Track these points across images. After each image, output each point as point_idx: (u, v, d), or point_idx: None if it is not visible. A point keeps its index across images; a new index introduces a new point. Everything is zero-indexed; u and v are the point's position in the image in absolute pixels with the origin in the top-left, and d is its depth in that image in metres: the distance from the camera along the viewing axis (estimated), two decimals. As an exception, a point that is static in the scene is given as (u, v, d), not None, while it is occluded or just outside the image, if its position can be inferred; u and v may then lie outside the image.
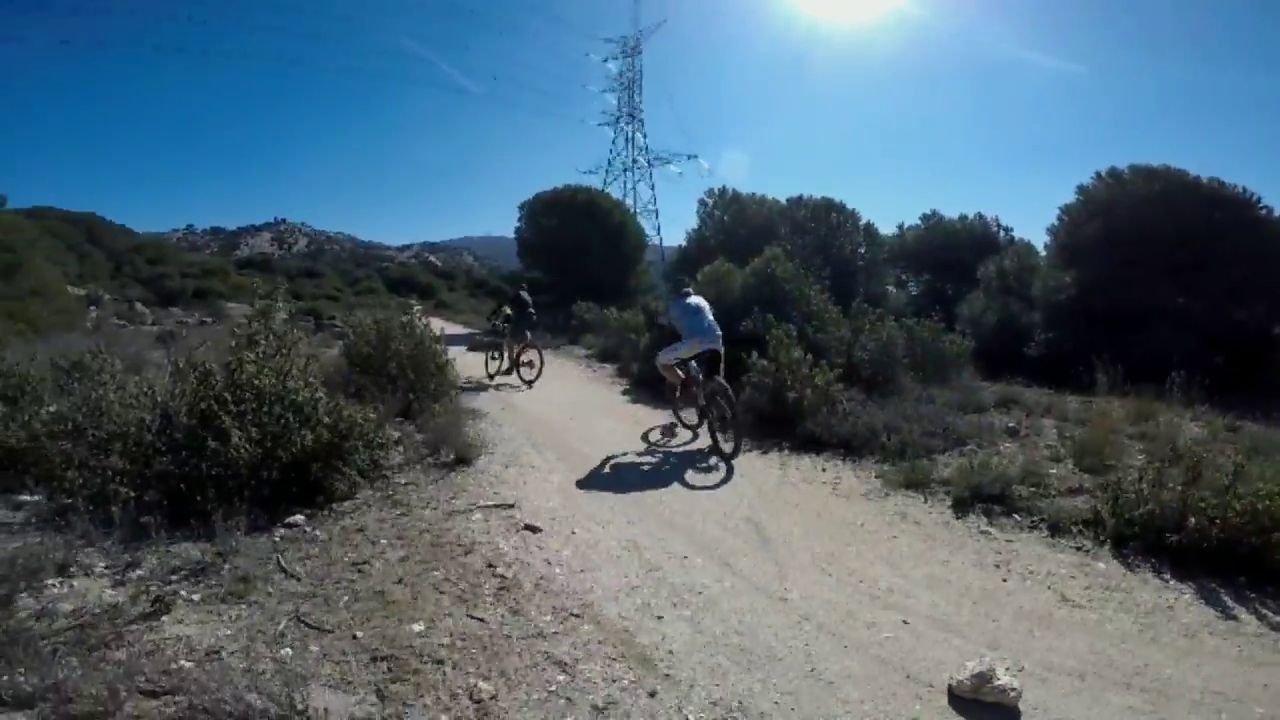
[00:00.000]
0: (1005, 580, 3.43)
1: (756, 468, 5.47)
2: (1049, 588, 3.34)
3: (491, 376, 9.77)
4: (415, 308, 7.71)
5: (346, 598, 2.95)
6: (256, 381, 3.90)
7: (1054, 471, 4.67)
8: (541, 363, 9.41)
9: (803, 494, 4.81)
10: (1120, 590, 3.30)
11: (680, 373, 6.41)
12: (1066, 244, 16.60)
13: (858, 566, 3.58)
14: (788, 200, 24.93)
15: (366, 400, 5.86)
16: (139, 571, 3.03)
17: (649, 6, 76.00)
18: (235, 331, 4.62)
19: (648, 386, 9.23)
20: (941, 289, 22.89)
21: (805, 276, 10.20)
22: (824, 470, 5.31)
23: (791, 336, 7.08)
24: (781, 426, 6.26)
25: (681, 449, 6.11)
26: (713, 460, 5.61)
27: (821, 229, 23.14)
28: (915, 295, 24.13)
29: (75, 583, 2.86)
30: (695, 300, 6.55)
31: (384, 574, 3.20)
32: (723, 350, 6.24)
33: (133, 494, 3.57)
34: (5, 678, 2.02)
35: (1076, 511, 4.00)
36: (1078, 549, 3.72)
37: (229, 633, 2.60)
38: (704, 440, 6.10)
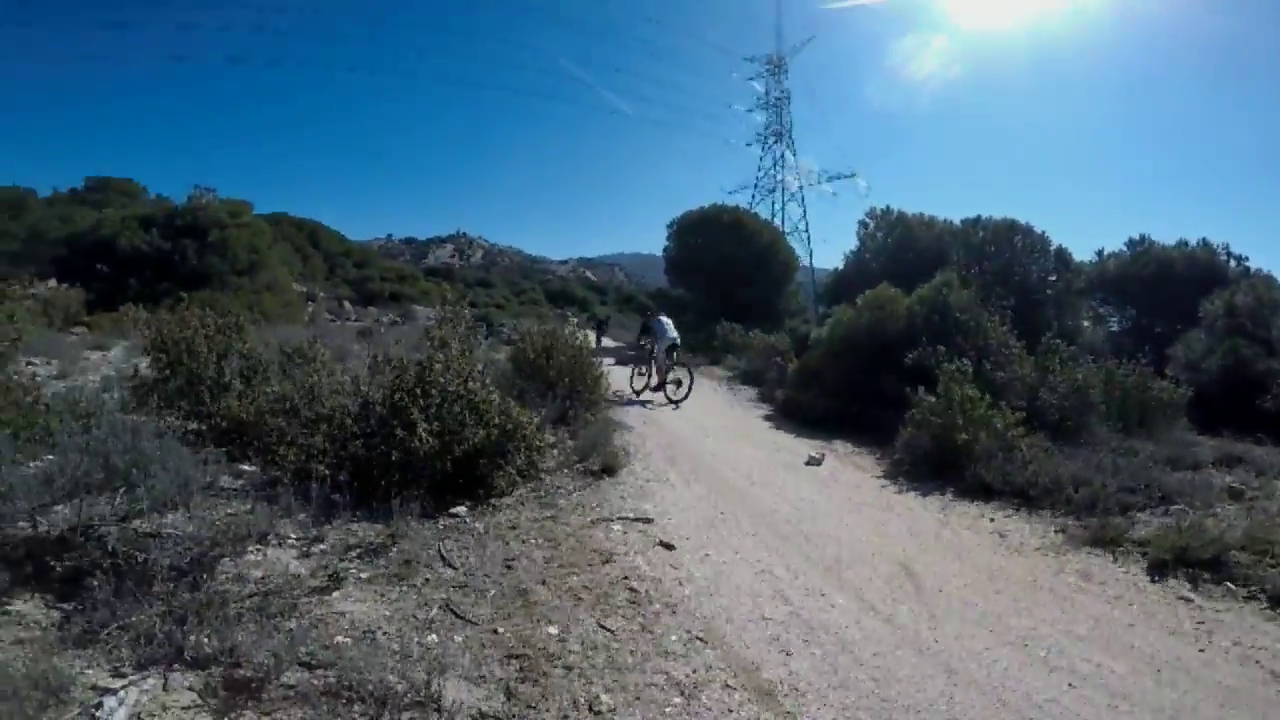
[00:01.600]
0: (1202, 651, 2.94)
1: (913, 509, 5.04)
2: (1257, 662, 2.83)
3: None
4: (573, 320, 8.09)
5: (493, 592, 3.08)
6: (443, 380, 4.24)
7: None
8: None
9: (965, 542, 4.33)
10: (1341, 669, 2.67)
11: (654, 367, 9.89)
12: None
13: (1022, 624, 3.16)
14: (962, 221, 22.85)
15: (527, 404, 6.22)
16: (323, 546, 3.38)
17: (796, 24, 74.38)
18: (429, 334, 5.10)
19: (792, 414, 8.88)
20: (1150, 327, 19.61)
21: (983, 306, 9.24)
22: (992, 520, 4.79)
23: (965, 373, 6.41)
24: (946, 470, 5.72)
25: (831, 481, 5.75)
26: (865, 496, 5.31)
27: (1003, 253, 20.87)
28: (1116, 332, 20.91)
29: (270, 551, 3.24)
30: (664, 318, 10.32)
31: (529, 573, 3.31)
32: (680, 342, 10.16)
33: (328, 472, 4.06)
34: (193, 637, 2.28)
35: (1309, 583, 3.33)
36: (1302, 624, 3.08)
37: (387, 614, 2.79)
38: (829, 465, 6.40)
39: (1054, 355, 7.80)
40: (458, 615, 2.83)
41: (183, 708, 2.04)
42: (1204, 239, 20.82)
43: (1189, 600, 3.42)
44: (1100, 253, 22.70)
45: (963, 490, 5.35)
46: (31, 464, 3.75)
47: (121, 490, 3.51)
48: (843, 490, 5.50)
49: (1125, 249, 21.96)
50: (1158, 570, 3.74)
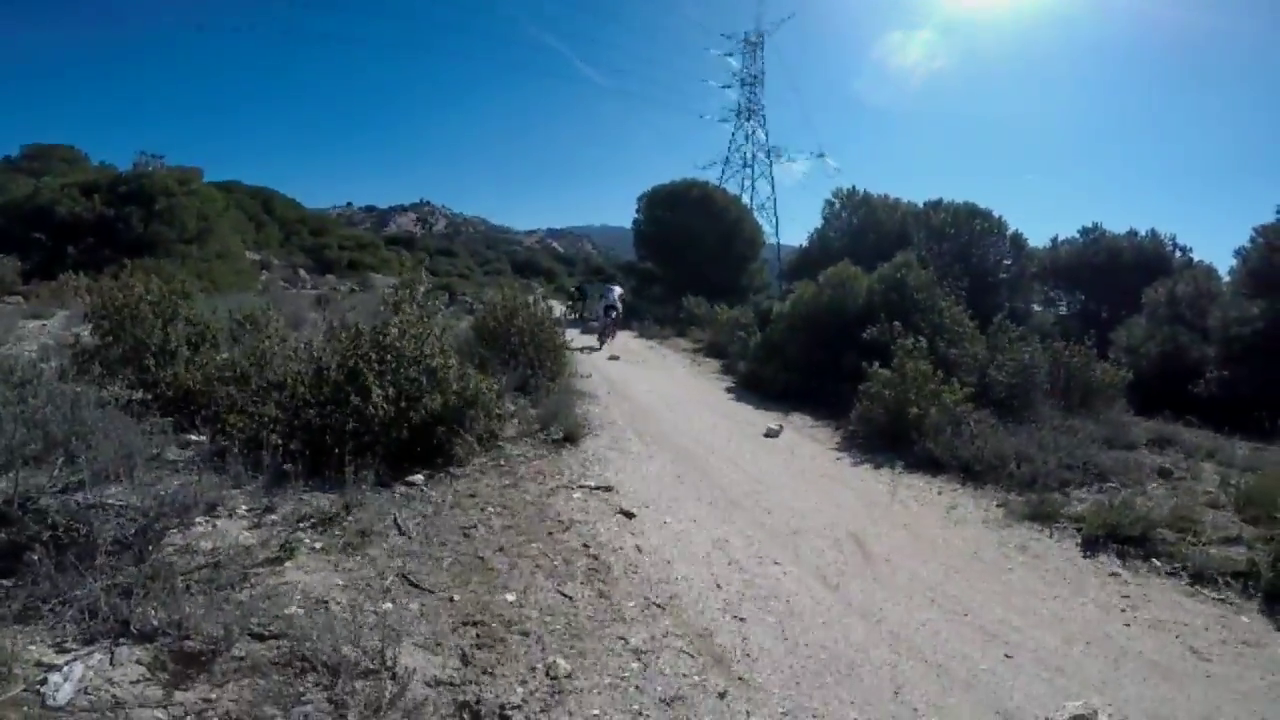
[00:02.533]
0: (1128, 625, 3.14)
1: (865, 481, 5.21)
2: (1177, 637, 3.05)
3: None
4: (538, 290, 8.01)
5: (450, 560, 3.09)
6: (398, 344, 4.17)
7: (1209, 519, 4.21)
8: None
9: (913, 514, 4.52)
10: (1258, 647, 2.96)
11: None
12: (1259, 270, 14.18)
13: (964, 595, 3.33)
14: (925, 204, 23.27)
15: (489, 372, 6.16)
16: (274, 516, 3.32)
17: (774, 3, 73.35)
18: (384, 297, 4.98)
19: (754, 387, 9.02)
20: (1096, 311, 20.43)
21: (940, 287, 9.48)
22: (939, 493, 4.98)
23: (919, 349, 6.60)
24: (898, 443, 5.92)
25: (788, 452, 5.89)
26: (820, 467, 5.47)
27: (962, 236, 21.37)
28: (1065, 316, 21.72)
29: (219, 523, 3.17)
30: (611, 286, 14.16)
31: (487, 541, 3.33)
32: (619, 306, 14.14)
33: (280, 441, 3.97)
34: (140, 610, 2.23)
35: (1229, 562, 3.63)
36: (1220, 600, 3.38)
37: (340, 583, 2.77)
38: (787, 437, 6.51)
39: (1004, 335, 8.07)
40: (413, 584, 2.82)
41: (131, 681, 2.00)
42: (1153, 229, 21.69)
43: (1117, 575, 3.62)
44: (1055, 239, 23.41)
45: (913, 463, 5.54)
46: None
47: (61, 461, 3.40)
48: (799, 461, 5.65)
49: (1078, 236, 22.70)
50: (1090, 545, 3.94)
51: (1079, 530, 4.10)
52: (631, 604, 2.89)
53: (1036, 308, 22.11)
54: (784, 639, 2.74)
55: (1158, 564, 3.72)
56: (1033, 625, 3.05)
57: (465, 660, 2.35)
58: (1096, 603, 3.33)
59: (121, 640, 2.16)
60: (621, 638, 2.61)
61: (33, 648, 2.08)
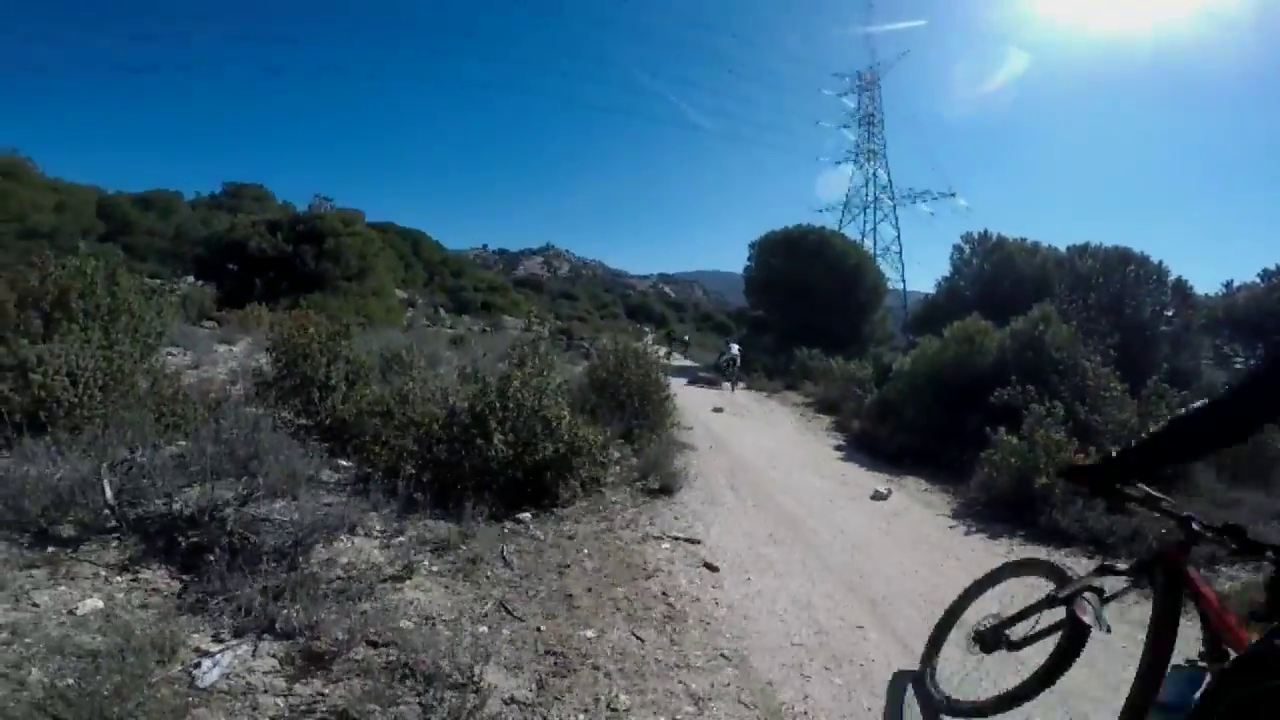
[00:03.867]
0: None
1: (976, 551, 4.91)
2: None
3: None
4: (648, 336, 8.34)
5: (543, 593, 3.35)
6: (520, 396, 4.61)
7: None
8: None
9: (1025, 587, 4.11)
10: None
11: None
12: None
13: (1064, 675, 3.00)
14: (1068, 248, 21.28)
15: (598, 419, 6.49)
16: (402, 539, 3.74)
17: (886, 41, 71.34)
18: (511, 352, 5.51)
19: (867, 447, 8.69)
20: (1283, 366, 17.32)
21: (1084, 344, 8.69)
22: (1058, 566, 4.51)
23: (1054, 414, 6.12)
24: (1021, 514, 5.50)
25: (894, 517, 5.63)
26: (927, 534, 5.20)
27: (1112, 285, 19.25)
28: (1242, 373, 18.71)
29: (356, 540, 3.62)
30: (734, 343, 15.75)
31: (578, 579, 3.56)
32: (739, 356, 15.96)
33: (414, 472, 4.47)
34: (285, 611, 2.63)
35: None
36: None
37: (448, 604, 3.10)
38: (896, 501, 6.27)
39: (1160, 400, 7.25)
40: (508, 611, 3.10)
41: (264, 672, 2.36)
42: None
43: None
44: (1229, 284, 20.45)
45: (1035, 535, 5.14)
46: (169, 448, 4.35)
47: (243, 477, 4.04)
48: (904, 527, 5.39)
49: (1259, 280, 19.64)
50: None
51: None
52: (699, 652, 2.97)
53: (1207, 364, 19.27)
54: (848, 699, 2.70)
55: None
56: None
57: (540, 685, 2.57)
58: None
59: (265, 636, 2.53)
60: (683, 683, 2.71)
61: (195, 635, 2.48)
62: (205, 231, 23.96)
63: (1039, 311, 9.28)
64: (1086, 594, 2.14)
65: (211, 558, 2.85)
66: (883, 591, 3.92)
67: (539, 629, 2.99)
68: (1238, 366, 19.35)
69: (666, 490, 5.31)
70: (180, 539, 3.20)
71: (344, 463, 4.91)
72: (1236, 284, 20.20)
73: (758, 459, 7.46)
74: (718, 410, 11.41)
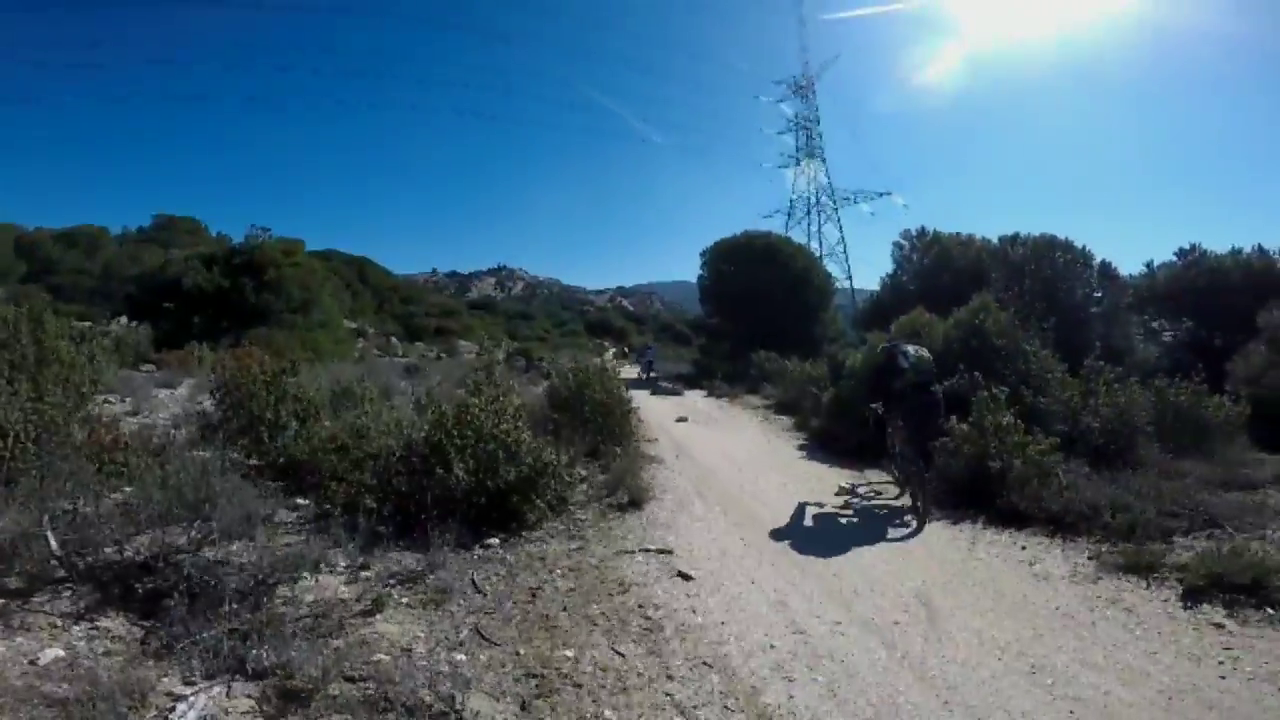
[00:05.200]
0: (1223, 678, 2.86)
1: (941, 540, 5.01)
2: (1278, 688, 2.75)
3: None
4: (609, 352, 8.37)
5: (518, 617, 3.32)
6: (478, 422, 4.55)
7: None
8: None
9: (991, 571, 4.31)
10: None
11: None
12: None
13: (1034, 651, 3.16)
14: (1000, 239, 22.33)
15: (562, 438, 6.45)
16: (368, 573, 3.66)
17: (821, 41, 73.59)
18: (466, 381, 5.45)
19: (827, 444, 8.87)
20: (1208, 338, 18.59)
21: (1023, 329, 9.09)
22: (1022, 548, 4.72)
23: (1001, 400, 6.36)
24: (979, 498, 5.66)
25: (860, 511, 5.76)
26: (894, 529, 5.29)
27: (1044, 271, 20.27)
28: (1171, 345, 19.91)
29: (321, 578, 3.53)
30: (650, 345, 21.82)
31: (552, 600, 3.53)
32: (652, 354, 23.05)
33: (374, 505, 4.37)
34: (254, 652, 2.56)
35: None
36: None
37: (422, 634, 3.05)
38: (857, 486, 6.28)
39: (1098, 377, 7.62)
40: (484, 638, 3.06)
41: (242, 713, 2.30)
42: (1259, 246, 19.75)
43: (1221, 626, 3.33)
44: (1149, 264, 21.75)
45: (994, 518, 5.28)
46: (112, 496, 4.17)
47: (195, 522, 3.91)
48: (871, 520, 5.51)
49: (1175, 259, 21.00)
50: (1192, 596, 3.63)
51: (1180, 581, 3.79)
52: (680, 662, 2.98)
53: (1139, 340, 20.42)
54: (833, 697, 2.73)
55: (1271, 612, 3.38)
56: (1110, 681, 2.86)
57: (524, 708, 2.54)
58: (1190, 655, 3.08)
59: (237, 677, 2.47)
60: (667, 694, 2.72)
61: (165, 680, 2.42)
62: (135, 269, 22.86)
63: (978, 301, 9.61)
64: None
65: (171, 603, 2.82)
66: (856, 585, 3.99)
67: (517, 652, 2.96)
68: (1165, 339, 20.66)
69: (635, 504, 5.31)
70: (137, 586, 3.14)
71: (301, 501, 4.78)
72: (1157, 264, 21.48)
73: (723, 465, 7.54)
74: (681, 420, 11.48)
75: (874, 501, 6.18)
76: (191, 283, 20.07)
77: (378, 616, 3.17)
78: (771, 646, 3.16)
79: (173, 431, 6.57)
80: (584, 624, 3.28)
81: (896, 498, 6.09)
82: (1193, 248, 20.77)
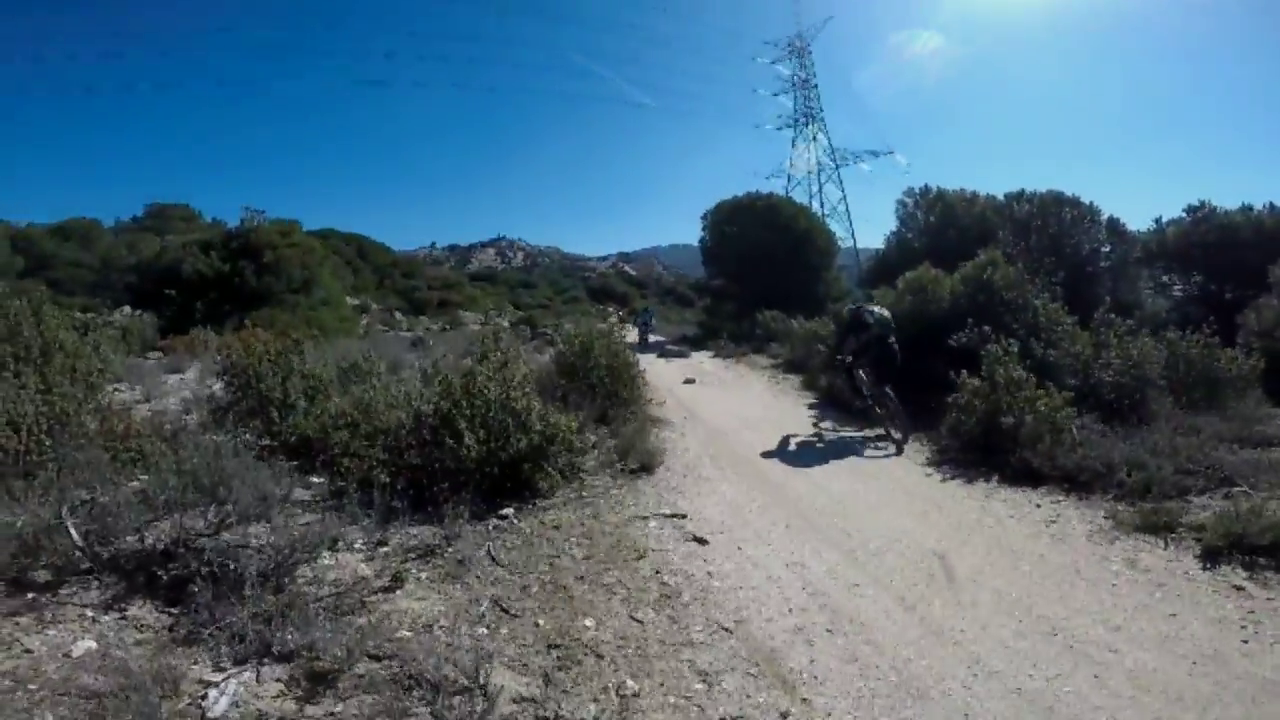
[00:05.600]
0: (1246, 643, 2.85)
1: (956, 498, 5.02)
2: None
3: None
4: (612, 318, 8.30)
5: (536, 587, 3.34)
6: (486, 391, 4.52)
7: None
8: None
9: (1007, 530, 4.32)
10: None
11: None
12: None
13: (1054, 613, 3.17)
14: (1005, 196, 21.93)
15: (570, 405, 6.44)
16: (386, 549, 3.69)
17: (813, 4, 71.13)
18: (471, 348, 5.40)
19: (837, 402, 8.85)
20: (1218, 293, 18.38)
21: (1032, 283, 8.96)
22: (1038, 507, 4.72)
23: (1011, 353, 6.30)
24: (993, 455, 5.65)
25: (874, 463, 5.77)
26: (907, 484, 5.33)
27: (1050, 227, 19.95)
28: (1182, 299, 19.72)
29: (340, 556, 3.55)
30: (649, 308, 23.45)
31: (570, 570, 3.55)
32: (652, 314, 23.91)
33: (388, 480, 4.39)
34: (279, 635, 2.57)
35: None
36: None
37: (443, 609, 3.06)
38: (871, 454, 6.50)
39: (1109, 330, 7.52)
40: (504, 610, 3.08)
41: (272, 697, 2.32)
42: (1271, 203, 19.36)
43: (1241, 589, 3.31)
44: (1158, 220, 21.36)
45: (1009, 476, 5.27)
46: (130, 484, 4.19)
47: (211, 505, 3.93)
48: (884, 478, 5.53)
49: (1184, 215, 20.65)
50: (1211, 557, 3.61)
51: (1199, 541, 3.77)
52: (699, 628, 3.00)
53: (1147, 295, 20.23)
54: (854, 661, 2.75)
55: None
56: (1130, 644, 2.87)
57: (547, 680, 2.57)
58: (1211, 619, 3.07)
59: (265, 660, 2.48)
60: (689, 660, 2.74)
61: (195, 667, 2.44)
62: (133, 259, 22.73)
63: (986, 255, 9.48)
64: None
65: (195, 589, 2.81)
66: (872, 546, 4.01)
67: (537, 624, 2.98)
68: (1176, 294, 20.46)
69: (646, 469, 5.33)
70: (160, 573, 3.13)
71: (315, 479, 4.78)
72: (1165, 219, 21.11)
73: (733, 426, 7.54)
74: (689, 381, 11.47)
75: (845, 434, 7.20)
76: (191, 269, 19.95)
77: (398, 593, 3.19)
78: (790, 610, 3.18)
79: (184, 416, 6.61)
80: (602, 592, 3.30)
81: (860, 429, 7.35)
82: (1202, 204, 20.34)
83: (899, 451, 6.26)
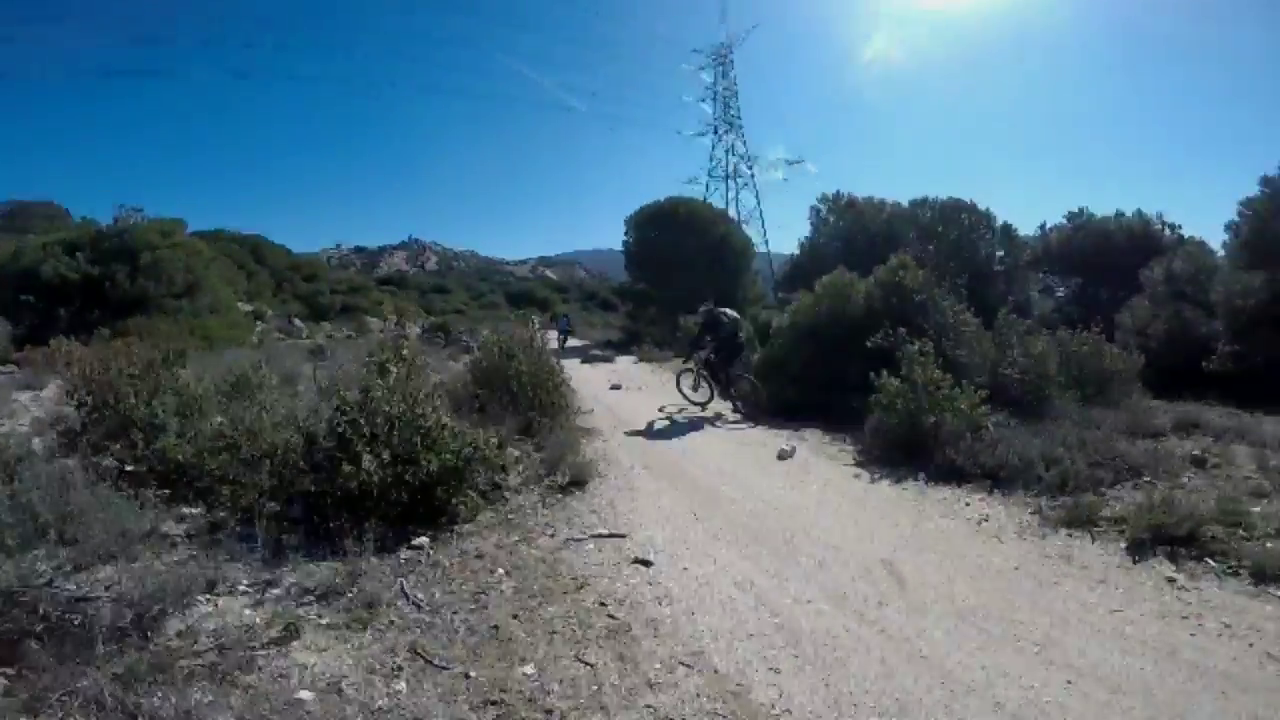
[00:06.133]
0: (1194, 635, 2.92)
1: (889, 499, 5.01)
2: (1250, 645, 2.82)
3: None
4: (535, 322, 7.92)
5: (463, 631, 2.90)
6: (387, 407, 4.00)
7: (1257, 510, 4.03)
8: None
9: (945, 531, 4.32)
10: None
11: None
12: (1252, 241, 14.14)
13: (1011, 616, 3.13)
14: (910, 202, 23.35)
15: (490, 415, 5.98)
16: (276, 590, 3.15)
17: (741, 10, 73.69)
18: (368, 359, 4.85)
19: (761, 405, 8.84)
20: (1095, 294, 20.33)
21: (938, 286, 9.36)
22: (967, 505, 4.78)
23: (927, 354, 6.45)
24: (916, 454, 5.73)
25: (805, 475, 5.70)
26: (840, 488, 5.29)
27: (951, 232, 21.35)
28: (1063, 301, 21.64)
29: (220, 601, 3.00)
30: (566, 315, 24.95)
31: (500, 607, 3.13)
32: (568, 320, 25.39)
33: (278, 507, 3.83)
34: (145, 703, 2.09)
35: (1289, 555, 3.40)
36: (1287, 598, 3.14)
37: (350, 662, 2.60)
38: (801, 458, 6.30)
39: (1011, 330, 7.92)
40: (426, 660, 2.64)
41: None
42: (1139, 210, 21.69)
43: (1173, 580, 3.41)
44: (1043, 226, 23.39)
45: (935, 475, 5.34)
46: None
47: (54, 545, 3.27)
48: (817, 484, 5.45)
49: (1065, 222, 22.71)
50: (1137, 549, 3.73)
51: (1122, 534, 3.91)
52: (656, 664, 2.69)
53: (1035, 297, 22.02)
54: (825, 687, 2.54)
55: (1213, 564, 3.51)
56: (1091, 644, 2.85)
57: None
58: (1156, 613, 3.12)
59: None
60: (650, 707, 2.41)
61: None
62: (-15, 262, 19.77)
63: (897, 259, 9.80)
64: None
65: (37, 646, 2.36)
66: (818, 556, 3.85)
67: (468, 675, 2.55)
68: (1059, 295, 22.45)
69: (578, 483, 4.96)
70: None
71: (189, 510, 4.13)
72: (1049, 225, 23.11)
73: (663, 432, 7.32)
74: (615, 387, 11.21)
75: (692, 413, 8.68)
76: (52, 271, 17.51)
77: (294, 644, 2.69)
78: (749, 635, 2.93)
79: (34, 439, 5.63)
80: (541, 631, 2.91)
81: (705, 407, 8.93)
82: (1080, 211, 22.54)
83: (753, 421, 8.11)
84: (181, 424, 4.79)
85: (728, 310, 9.38)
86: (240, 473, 3.97)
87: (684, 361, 10.21)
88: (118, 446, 4.78)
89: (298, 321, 28.58)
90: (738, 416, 8.31)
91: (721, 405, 8.82)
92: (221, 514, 3.92)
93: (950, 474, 5.28)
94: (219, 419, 4.93)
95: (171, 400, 4.97)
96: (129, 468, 4.63)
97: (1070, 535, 4.04)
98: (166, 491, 4.29)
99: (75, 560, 3.20)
